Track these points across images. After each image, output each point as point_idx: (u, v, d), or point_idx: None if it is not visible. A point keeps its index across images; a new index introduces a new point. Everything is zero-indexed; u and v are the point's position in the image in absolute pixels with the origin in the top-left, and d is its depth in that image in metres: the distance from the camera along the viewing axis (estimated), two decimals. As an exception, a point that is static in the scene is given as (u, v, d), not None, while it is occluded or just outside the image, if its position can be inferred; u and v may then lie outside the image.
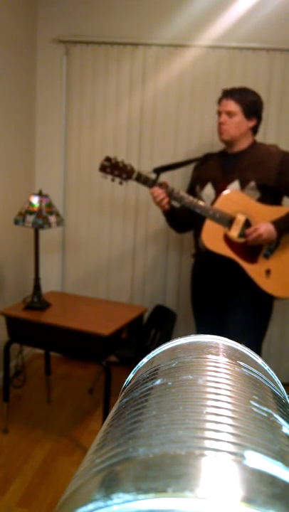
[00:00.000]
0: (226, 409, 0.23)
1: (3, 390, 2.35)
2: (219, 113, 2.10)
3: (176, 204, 2.20)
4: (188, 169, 2.48)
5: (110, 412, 0.30)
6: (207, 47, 2.71)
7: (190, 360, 0.31)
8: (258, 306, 2.16)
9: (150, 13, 2.78)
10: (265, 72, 2.70)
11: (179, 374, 0.29)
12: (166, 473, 0.18)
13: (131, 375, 0.36)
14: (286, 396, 0.32)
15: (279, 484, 0.18)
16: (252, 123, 2.08)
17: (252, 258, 2.06)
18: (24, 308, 2.29)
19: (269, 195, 2.06)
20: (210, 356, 0.32)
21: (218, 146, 2.39)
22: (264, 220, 2.02)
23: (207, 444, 0.20)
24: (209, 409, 0.23)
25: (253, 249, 2.06)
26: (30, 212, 2.23)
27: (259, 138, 2.26)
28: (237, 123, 2.05)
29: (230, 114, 2.05)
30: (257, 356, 0.37)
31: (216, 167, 2.16)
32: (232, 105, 2.04)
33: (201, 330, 2.26)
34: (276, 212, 2.05)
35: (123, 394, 0.31)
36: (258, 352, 2.20)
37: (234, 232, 2.04)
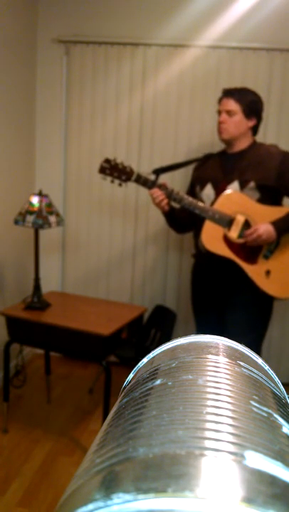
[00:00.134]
0: (226, 409, 0.23)
1: (3, 390, 2.35)
2: (219, 112, 2.11)
3: (175, 205, 2.19)
4: (188, 170, 2.48)
5: (110, 412, 0.30)
6: (207, 47, 2.71)
7: (190, 360, 0.31)
8: (258, 306, 2.16)
9: (150, 13, 2.78)
10: (265, 72, 2.70)
11: (179, 374, 0.29)
12: (166, 473, 0.18)
13: (131, 375, 0.36)
14: (286, 396, 0.32)
15: (279, 484, 0.18)
16: (252, 123, 2.09)
17: (252, 259, 2.06)
18: (24, 308, 2.29)
19: (269, 196, 2.06)
20: (210, 356, 0.32)
21: (218, 146, 2.39)
22: (264, 220, 2.02)
23: (207, 444, 0.20)
24: (209, 409, 0.23)
25: (252, 250, 2.06)
26: (31, 212, 2.23)
27: (259, 138, 2.26)
28: (237, 122, 2.06)
29: (230, 113, 2.06)
30: (257, 356, 0.37)
31: (216, 167, 2.16)
32: (232, 104, 2.05)
33: (201, 330, 2.25)
34: (276, 212, 2.05)
35: (123, 394, 0.31)
36: (258, 352, 2.20)
37: (234, 233, 2.04)
